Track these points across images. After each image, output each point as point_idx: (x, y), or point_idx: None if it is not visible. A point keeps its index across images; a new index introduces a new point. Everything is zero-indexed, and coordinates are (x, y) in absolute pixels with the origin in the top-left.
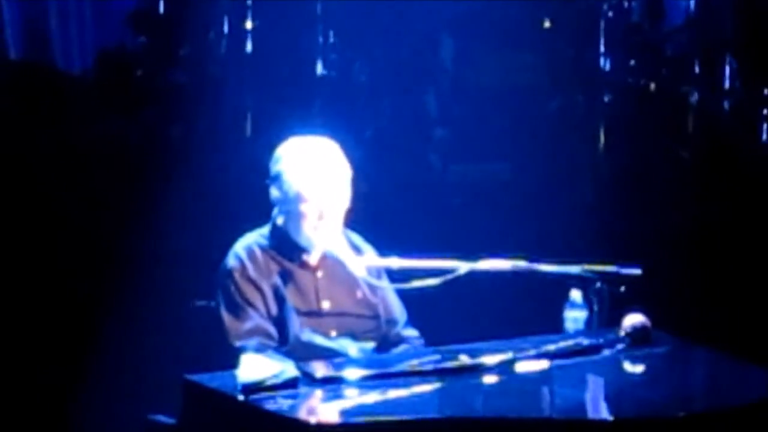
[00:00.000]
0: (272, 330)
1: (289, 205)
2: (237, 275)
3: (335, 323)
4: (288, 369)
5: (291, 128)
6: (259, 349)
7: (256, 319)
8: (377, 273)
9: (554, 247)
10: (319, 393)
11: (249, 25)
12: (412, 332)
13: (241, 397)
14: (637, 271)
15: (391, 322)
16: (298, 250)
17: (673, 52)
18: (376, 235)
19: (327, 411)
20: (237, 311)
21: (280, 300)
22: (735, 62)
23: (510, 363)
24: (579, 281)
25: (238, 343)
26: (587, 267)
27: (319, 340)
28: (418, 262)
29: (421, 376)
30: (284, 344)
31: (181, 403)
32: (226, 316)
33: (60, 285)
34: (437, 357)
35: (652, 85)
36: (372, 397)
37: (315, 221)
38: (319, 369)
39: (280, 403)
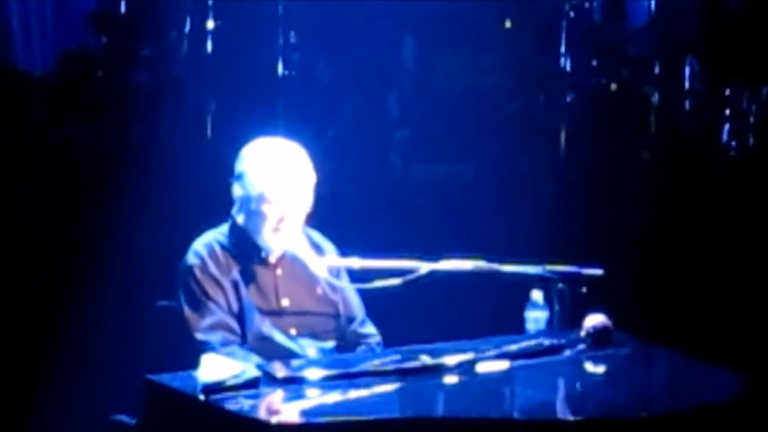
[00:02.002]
0: (235, 325)
1: (250, 204)
2: (198, 272)
3: (295, 321)
4: (249, 369)
5: (252, 129)
6: (224, 344)
7: (218, 314)
8: (337, 271)
9: (516, 248)
10: (280, 393)
11: (210, 25)
12: (370, 329)
13: (202, 397)
14: (599, 272)
15: (350, 318)
16: (257, 249)
17: (634, 52)
18: (338, 235)
19: (288, 411)
20: (199, 307)
21: (240, 297)
22: (696, 63)
23: (471, 363)
24: (540, 281)
25: (201, 338)
26: (548, 267)
27: (279, 337)
28: (379, 263)
29: (383, 376)
30: (245, 341)
31: (142, 403)
32: (188, 312)
33: (21, 286)
34: (398, 357)
35: (614, 86)
36: (333, 398)
37: (275, 223)
38: (281, 369)
39: (241, 403)
